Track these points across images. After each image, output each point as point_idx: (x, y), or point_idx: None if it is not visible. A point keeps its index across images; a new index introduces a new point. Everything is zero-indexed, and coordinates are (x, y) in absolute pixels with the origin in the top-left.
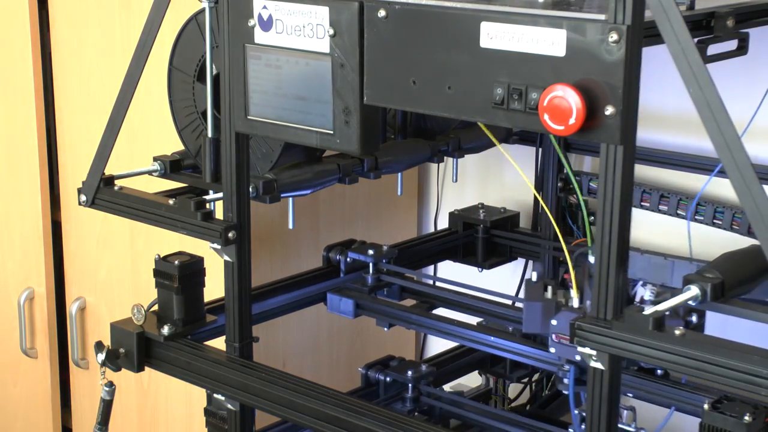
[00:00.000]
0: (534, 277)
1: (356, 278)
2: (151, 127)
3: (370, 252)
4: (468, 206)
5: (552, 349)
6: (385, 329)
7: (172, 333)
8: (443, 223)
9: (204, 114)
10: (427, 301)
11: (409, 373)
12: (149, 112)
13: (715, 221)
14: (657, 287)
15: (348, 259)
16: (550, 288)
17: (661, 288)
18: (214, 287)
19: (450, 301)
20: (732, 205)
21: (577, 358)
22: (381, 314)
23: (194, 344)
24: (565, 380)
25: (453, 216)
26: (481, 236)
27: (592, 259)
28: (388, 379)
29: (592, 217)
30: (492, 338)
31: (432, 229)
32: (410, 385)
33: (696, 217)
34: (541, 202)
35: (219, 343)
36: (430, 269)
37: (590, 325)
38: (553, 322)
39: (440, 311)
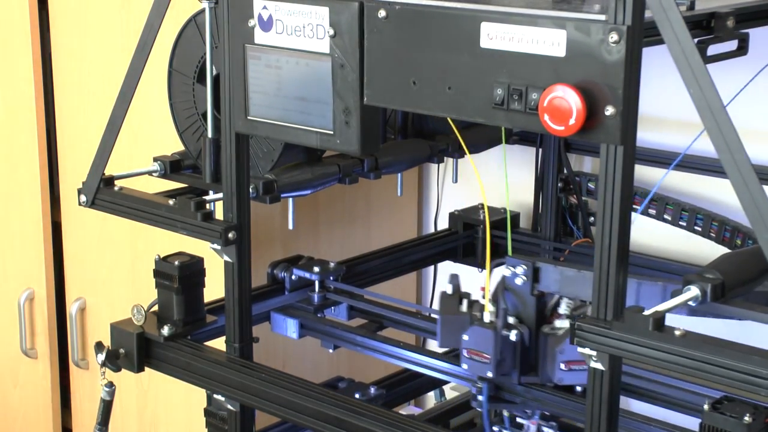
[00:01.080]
0: (449, 290)
1: (302, 296)
2: (152, 127)
3: (316, 269)
4: (468, 207)
5: (464, 365)
6: (330, 350)
7: (172, 333)
8: (443, 224)
9: (204, 115)
10: (376, 320)
11: (356, 396)
12: (149, 112)
13: (665, 216)
14: (573, 301)
15: (294, 277)
16: (465, 301)
17: (578, 302)
18: (214, 288)
19: (401, 321)
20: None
21: (489, 374)
22: (325, 335)
23: (194, 345)
24: (480, 397)
25: (453, 216)
26: (481, 237)
27: (506, 271)
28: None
29: (592, 218)
30: (407, 353)
31: (432, 230)
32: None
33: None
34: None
35: (219, 343)
36: (429, 270)
37: (590, 325)
38: (465, 337)
39: (389, 332)
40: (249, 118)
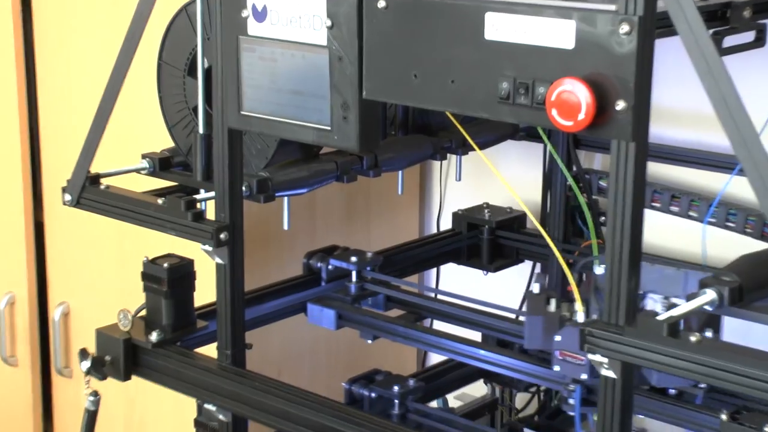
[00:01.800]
0: (536, 289)
1: (339, 287)
2: (140, 122)
3: (353, 259)
4: (472, 206)
5: (556, 367)
6: (369, 342)
7: (160, 339)
8: (446, 224)
9: (195, 109)
10: (414, 311)
11: (396, 388)
12: (138, 106)
13: (728, 223)
14: (667, 300)
15: (329, 267)
16: (553, 301)
17: (671, 301)
18: (205, 291)
19: (440, 312)
20: (745, 207)
21: (584, 377)
22: (364, 325)
23: (184, 351)
24: (571, 400)
25: (457, 216)
26: (486, 237)
27: (598, 270)
28: (372, 395)
29: (603, 218)
30: (482, 352)
31: (434, 230)
32: (396, 401)
33: (708, 219)
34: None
35: (210, 350)
36: (432, 273)
37: (601, 330)
38: (557, 337)
39: (427, 322)
40: (242, 113)
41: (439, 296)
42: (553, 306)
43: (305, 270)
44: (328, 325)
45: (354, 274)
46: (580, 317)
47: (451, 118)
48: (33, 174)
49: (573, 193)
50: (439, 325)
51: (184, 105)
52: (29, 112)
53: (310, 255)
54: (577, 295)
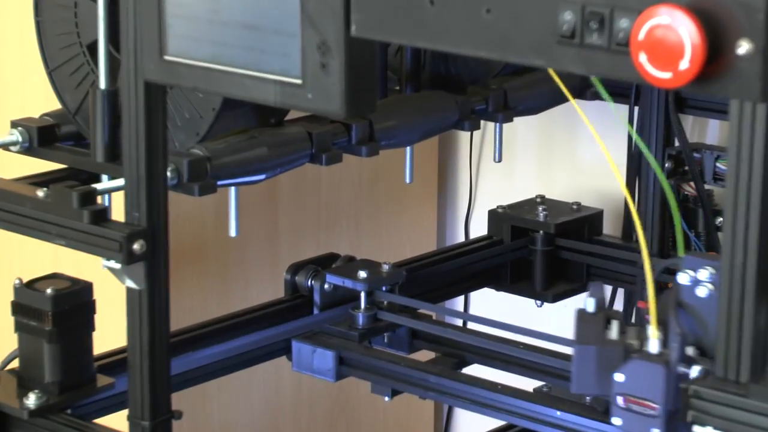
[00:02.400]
0: (590, 306)
1: (340, 316)
2: (7, 74)
3: (362, 275)
4: (520, 200)
5: (617, 420)
6: (386, 399)
7: (42, 404)
8: (479, 229)
9: (91, 49)
10: (454, 353)
11: None
12: (3, 51)
13: None
14: None
15: (326, 286)
16: (615, 324)
17: None
18: (111, 331)
19: (490, 354)
20: None
21: None
22: (379, 374)
23: (79, 423)
24: None
25: (495, 216)
26: (541, 249)
27: (681, 277)
28: None
29: (720, 219)
30: (559, 414)
31: (461, 238)
32: None
33: None
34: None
35: (119, 419)
36: (457, 302)
37: (713, 390)
38: (618, 377)
39: (475, 369)
40: (166, 58)
41: (490, 330)
42: (614, 331)
43: (288, 290)
44: (326, 375)
45: (363, 296)
46: (654, 346)
47: (472, 73)
48: None
49: (675, 181)
50: (488, 373)
51: (74, 39)
52: None
53: (296, 268)
54: (653, 314)
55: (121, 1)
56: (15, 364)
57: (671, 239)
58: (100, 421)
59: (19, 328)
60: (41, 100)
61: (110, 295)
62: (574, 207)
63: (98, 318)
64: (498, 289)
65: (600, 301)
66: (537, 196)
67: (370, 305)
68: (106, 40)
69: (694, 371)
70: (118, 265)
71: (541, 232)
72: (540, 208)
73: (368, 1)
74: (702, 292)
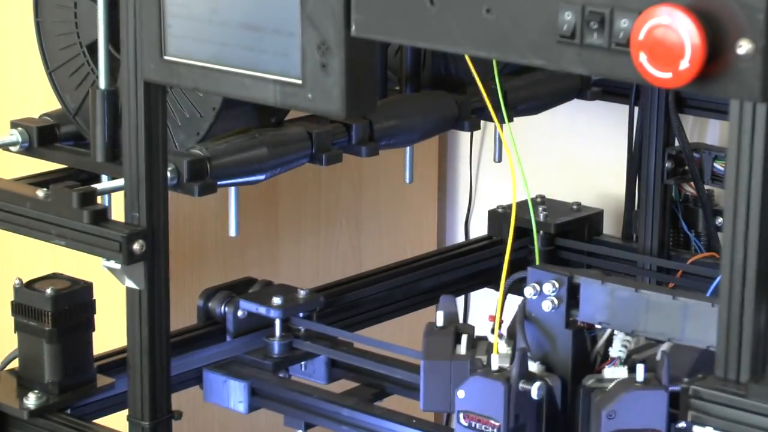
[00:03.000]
0: (440, 320)
1: (254, 345)
2: (7, 74)
3: (276, 301)
4: (520, 200)
5: None
6: None
7: (41, 405)
8: (479, 228)
9: (92, 49)
10: (373, 383)
11: None
12: (3, 51)
13: None
14: (630, 337)
15: (240, 313)
16: (464, 338)
17: (634, 337)
18: (110, 331)
19: (409, 384)
20: None
21: None
22: (293, 406)
23: (78, 423)
24: None
25: (495, 216)
26: (542, 249)
27: (528, 291)
28: None
29: (720, 219)
30: None
31: (461, 238)
32: None
33: None
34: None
35: (118, 419)
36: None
37: (714, 391)
38: (460, 393)
39: (395, 401)
40: (166, 58)
41: (407, 358)
42: (463, 346)
43: (201, 317)
44: (236, 406)
45: (278, 323)
46: (495, 363)
47: (472, 73)
48: None
49: (675, 180)
50: (405, 404)
51: (74, 40)
52: None
53: (209, 294)
54: (496, 325)
55: (121, 1)
56: (15, 364)
57: (671, 239)
58: (100, 421)
59: (18, 328)
60: (41, 101)
61: (110, 295)
62: (574, 207)
63: (98, 318)
64: (497, 288)
65: (450, 315)
66: (537, 196)
67: (285, 333)
68: (106, 40)
69: (535, 388)
70: (118, 265)
71: (542, 232)
72: (540, 208)
73: (368, 1)
74: (547, 306)
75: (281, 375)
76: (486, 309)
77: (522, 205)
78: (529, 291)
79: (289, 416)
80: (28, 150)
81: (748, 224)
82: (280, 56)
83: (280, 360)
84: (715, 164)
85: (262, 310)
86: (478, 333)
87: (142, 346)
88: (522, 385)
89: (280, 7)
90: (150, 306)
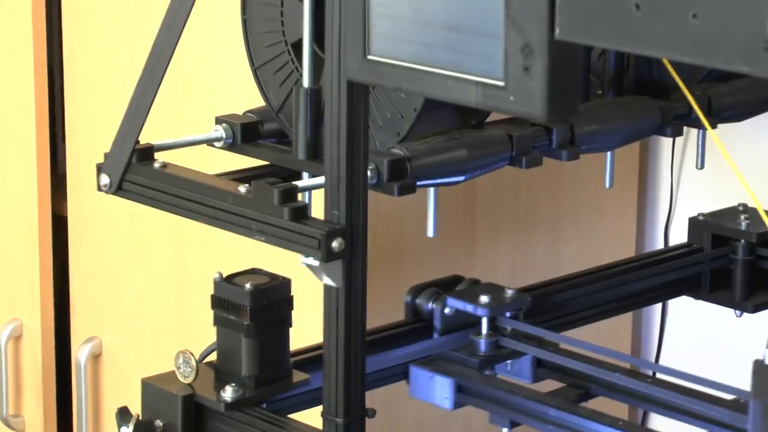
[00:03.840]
0: None
1: (461, 342)
2: (214, 71)
3: (484, 299)
4: (722, 208)
5: None
6: (505, 430)
7: (238, 398)
8: (679, 236)
9: (296, 47)
10: (579, 384)
11: None
12: (211, 46)
13: None
14: None
15: (447, 310)
16: None
17: None
18: (307, 328)
19: (618, 387)
20: None
21: None
22: (498, 404)
23: (273, 418)
24: None
25: (696, 224)
26: (742, 258)
27: None
28: None
29: None
30: None
31: (661, 245)
32: None
33: None
34: None
35: (312, 415)
36: (655, 309)
37: None
38: None
39: (601, 403)
40: (370, 57)
41: (619, 362)
42: None
43: (408, 313)
44: (443, 402)
45: (485, 322)
46: None
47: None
48: (52, 148)
49: None
50: (614, 407)
51: (279, 37)
52: (50, 64)
53: (416, 291)
54: None
55: (327, 1)
56: (213, 357)
57: None
58: (294, 416)
59: (217, 321)
60: (245, 98)
61: (307, 292)
62: None
63: (294, 314)
64: (696, 297)
65: None
66: (739, 205)
67: (492, 331)
68: (311, 39)
69: None
70: (316, 263)
71: (743, 241)
72: (742, 217)
73: (573, 4)
74: None
75: (486, 373)
76: (683, 317)
77: (723, 214)
78: None
79: (495, 414)
80: (231, 146)
81: None
82: (483, 58)
83: (486, 358)
84: None
85: (469, 307)
86: None
87: (338, 343)
88: None
89: (483, 8)
90: (347, 304)
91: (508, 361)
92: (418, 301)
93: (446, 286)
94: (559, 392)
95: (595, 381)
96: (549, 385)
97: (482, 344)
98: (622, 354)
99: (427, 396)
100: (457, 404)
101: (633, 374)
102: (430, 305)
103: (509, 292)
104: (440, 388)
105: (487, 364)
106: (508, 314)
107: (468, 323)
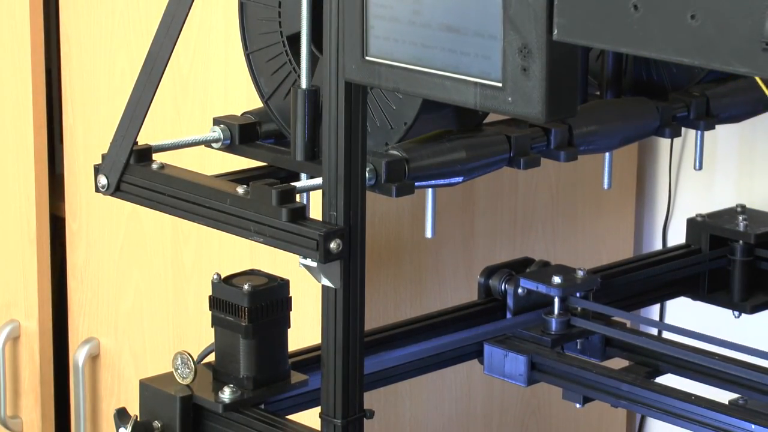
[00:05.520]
0: None
1: (533, 321)
2: (212, 73)
3: (557, 280)
4: (720, 209)
5: None
6: (578, 406)
7: (236, 399)
8: (677, 236)
9: (291, 40)
10: (647, 362)
11: None
12: (208, 50)
13: None
14: None
15: (520, 290)
16: None
17: None
18: (305, 329)
19: (686, 364)
20: None
21: None
22: (571, 381)
23: (272, 419)
24: None
25: (694, 225)
26: (740, 259)
27: None
28: None
29: None
30: (754, 428)
31: (658, 245)
32: None
33: None
34: None
35: (311, 416)
36: (653, 310)
37: None
38: None
39: (669, 379)
40: (368, 58)
41: (686, 340)
42: None
43: (481, 293)
44: (517, 379)
45: (557, 302)
46: None
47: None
48: (50, 147)
49: None
50: (684, 383)
51: (276, 27)
52: (47, 59)
53: (490, 272)
54: None
55: (324, 2)
56: (211, 358)
57: None
58: (293, 417)
59: (215, 322)
60: (243, 99)
61: (305, 293)
62: None
63: (293, 315)
64: (695, 298)
65: None
66: (737, 206)
67: (563, 311)
68: (308, 40)
69: None
70: (314, 263)
71: (741, 242)
72: (740, 218)
73: (571, 5)
74: None
75: (558, 351)
76: (682, 317)
77: (721, 215)
78: None
79: (568, 390)
80: (229, 147)
81: None
82: (481, 59)
83: (558, 336)
84: None
85: (542, 288)
86: None
87: (336, 344)
88: None
89: (482, 9)
90: (345, 304)
91: (578, 340)
92: (491, 281)
93: (517, 268)
94: (630, 369)
95: (664, 358)
96: (618, 363)
97: (554, 323)
98: (689, 330)
99: (502, 373)
100: (530, 381)
101: (702, 352)
102: (503, 286)
103: (580, 273)
104: (514, 366)
105: (558, 343)
106: (578, 294)
107: (540, 303)
